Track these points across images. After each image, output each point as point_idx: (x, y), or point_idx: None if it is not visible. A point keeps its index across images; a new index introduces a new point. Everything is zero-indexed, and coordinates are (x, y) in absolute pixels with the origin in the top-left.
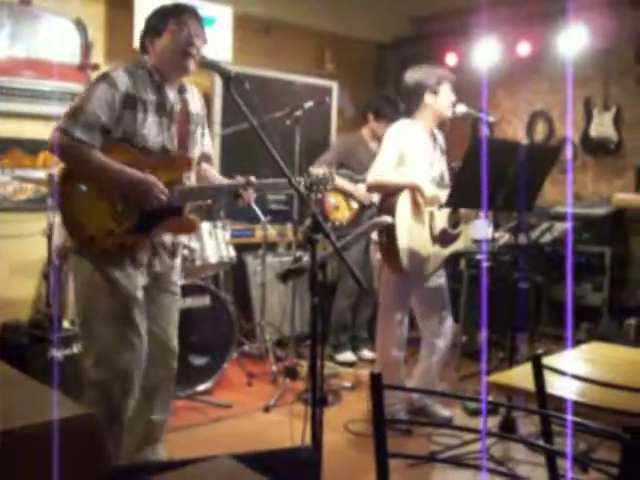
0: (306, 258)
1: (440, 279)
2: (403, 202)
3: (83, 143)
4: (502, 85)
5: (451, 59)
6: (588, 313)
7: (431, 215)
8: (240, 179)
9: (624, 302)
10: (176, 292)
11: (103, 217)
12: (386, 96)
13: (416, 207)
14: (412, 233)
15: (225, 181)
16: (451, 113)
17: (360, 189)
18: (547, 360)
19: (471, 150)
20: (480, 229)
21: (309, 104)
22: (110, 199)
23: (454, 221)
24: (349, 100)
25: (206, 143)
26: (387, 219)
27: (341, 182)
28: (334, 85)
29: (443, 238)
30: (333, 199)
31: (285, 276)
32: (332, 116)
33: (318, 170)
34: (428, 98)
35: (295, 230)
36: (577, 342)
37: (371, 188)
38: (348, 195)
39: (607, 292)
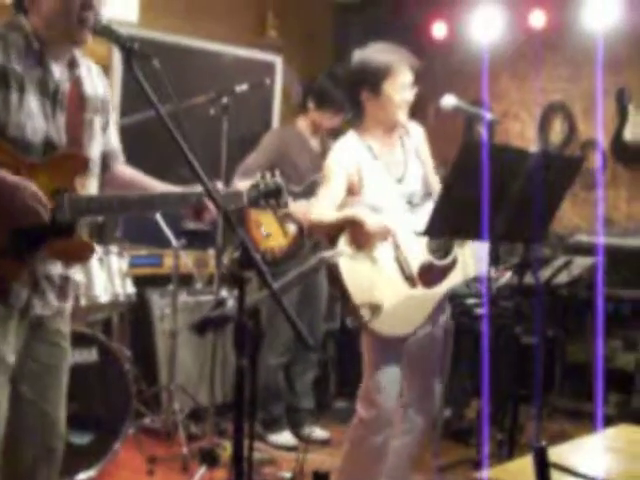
0: (232, 302)
1: (435, 327)
2: (342, 245)
3: None
4: (508, 68)
5: (439, 30)
6: (618, 380)
7: (397, 248)
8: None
9: None
10: (64, 346)
11: None
12: (333, 75)
13: (363, 247)
14: (367, 283)
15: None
16: (403, 119)
17: (300, 206)
18: (557, 452)
19: (461, 158)
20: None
21: (242, 87)
22: None
23: (442, 247)
24: (298, 80)
25: (112, 137)
26: (343, 251)
27: None
28: (278, 60)
29: (428, 276)
30: (262, 222)
31: (202, 327)
32: (274, 102)
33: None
34: (366, 97)
35: (218, 259)
36: (604, 420)
37: (310, 232)
38: (283, 216)
39: None
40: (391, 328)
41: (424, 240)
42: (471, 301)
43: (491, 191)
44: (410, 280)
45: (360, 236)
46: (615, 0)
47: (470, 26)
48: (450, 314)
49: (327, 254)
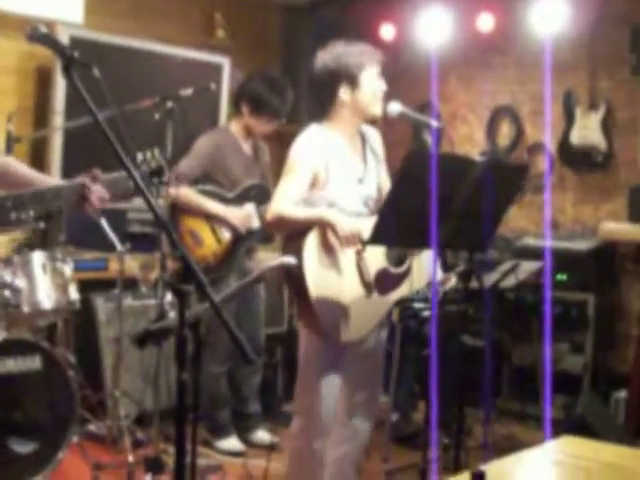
0: (173, 314)
1: (374, 338)
2: (310, 245)
3: None
4: (456, 70)
5: (387, 32)
6: (565, 382)
7: (359, 255)
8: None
9: (612, 368)
10: None
11: None
12: (270, 79)
13: (329, 250)
14: (330, 286)
15: (54, 181)
16: (380, 110)
17: (234, 212)
18: (500, 466)
19: (406, 167)
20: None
21: (187, 92)
22: None
23: (397, 255)
24: None
25: None
26: (288, 260)
27: (207, 203)
28: (226, 62)
29: (383, 283)
30: (195, 228)
31: (142, 340)
32: (222, 105)
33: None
34: (344, 92)
35: (163, 263)
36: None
37: (271, 225)
38: (216, 221)
39: (590, 354)
40: (346, 334)
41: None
42: (418, 305)
43: (437, 200)
44: (367, 286)
45: (329, 239)
46: (561, 5)
47: (418, 28)
48: (397, 317)
49: (272, 263)
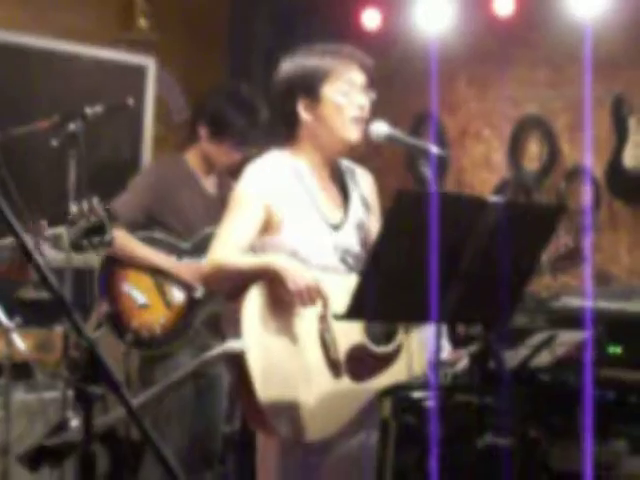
0: (76, 422)
1: (357, 443)
2: (252, 303)
3: None
4: (466, 70)
5: (371, 19)
6: None
7: (323, 320)
8: None
9: None
10: None
11: None
12: (236, 91)
13: (280, 310)
14: (280, 361)
15: None
16: (356, 136)
17: (187, 266)
18: None
19: (394, 214)
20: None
21: (95, 110)
22: None
23: (383, 329)
24: (179, 90)
25: None
26: (232, 346)
27: (150, 254)
28: (150, 62)
29: (359, 364)
30: (137, 289)
31: (35, 459)
32: (145, 122)
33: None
34: (304, 109)
35: (65, 341)
36: None
37: (209, 280)
38: (165, 278)
39: None
40: (305, 431)
41: None
42: (418, 394)
43: (438, 257)
44: (334, 366)
45: (278, 295)
46: None
47: (413, 14)
48: (389, 411)
49: (217, 351)
